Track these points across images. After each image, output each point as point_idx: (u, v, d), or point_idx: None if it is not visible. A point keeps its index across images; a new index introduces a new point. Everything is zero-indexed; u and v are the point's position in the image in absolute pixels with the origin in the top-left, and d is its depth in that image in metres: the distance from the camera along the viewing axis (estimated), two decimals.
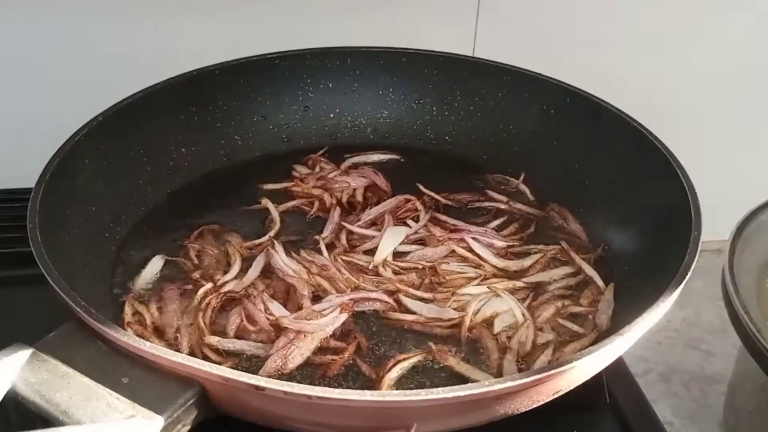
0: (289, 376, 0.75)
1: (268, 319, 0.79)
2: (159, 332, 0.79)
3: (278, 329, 0.78)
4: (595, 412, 0.82)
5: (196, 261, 0.89)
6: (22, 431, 0.58)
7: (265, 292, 0.83)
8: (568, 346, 0.79)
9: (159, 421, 0.58)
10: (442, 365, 0.76)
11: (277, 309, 0.80)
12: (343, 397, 0.58)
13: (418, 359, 0.76)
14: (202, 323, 0.78)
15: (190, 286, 0.84)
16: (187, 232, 0.93)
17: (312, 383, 0.73)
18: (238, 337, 0.78)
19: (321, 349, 0.77)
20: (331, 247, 0.91)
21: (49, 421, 0.59)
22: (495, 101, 1.10)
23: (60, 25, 1.09)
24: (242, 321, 0.79)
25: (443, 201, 1.01)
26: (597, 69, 1.12)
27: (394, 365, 0.75)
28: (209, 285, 0.83)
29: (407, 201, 0.99)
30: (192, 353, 0.76)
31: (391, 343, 0.79)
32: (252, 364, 0.76)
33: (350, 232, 0.94)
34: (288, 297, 0.83)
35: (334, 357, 0.76)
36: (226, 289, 0.83)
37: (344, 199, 1.00)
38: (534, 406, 0.67)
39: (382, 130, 1.14)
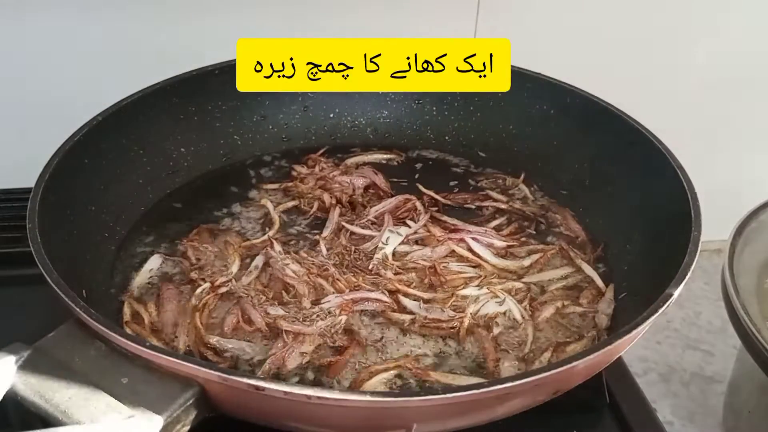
0: (289, 377, 0.75)
1: (266, 320, 0.79)
2: (157, 332, 0.79)
3: (276, 330, 0.78)
4: (595, 412, 0.82)
5: (194, 260, 0.89)
6: (21, 431, 0.58)
7: (263, 292, 0.83)
8: (568, 346, 0.79)
9: (158, 421, 0.58)
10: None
11: (275, 310, 0.80)
12: (343, 397, 0.59)
13: (396, 372, 0.75)
14: (198, 323, 0.78)
15: (188, 286, 0.84)
16: (186, 232, 0.93)
17: (312, 383, 0.74)
18: (234, 337, 0.78)
19: (321, 349, 0.77)
20: (331, 247, 0.91)
21: (48, 421, 0.59)
22: (495, 101, 1.10)
23: (60, 25, 1.09)
24: (239, 321, 0.79)
25: (443, 201, 1.01)
26: (597, 69, 1.12)
27: (370, 377, 0.74)
28: (207, 285, 0.83)
29: (407, 201, 0.99)
30: (190, 353, 0.76)
31: (391, 343, 0.79)
32: (251, 364, 0.76)
33: (350, 232, 0.94)
34: (287, 297, 0.83)
35: (333, 359, 0.76)
36: (223, 289, 0.83)
37: (344, 199, 1.00)
38: (534, 405, 0.67)
39: (381, 130, 1.14)
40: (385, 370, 0.75)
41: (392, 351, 0.78)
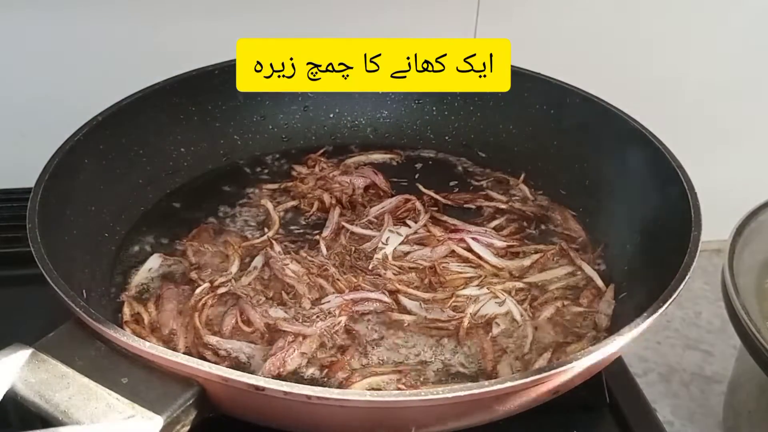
0: (289, 377, 0.74)
1: (266, 321, 0.78)
2: (157, 332, 0.79)
3: (274, 330, 0.78)
4: (595, 412, 0.82)
5: (193, 260, 0.89)
6: (22, 431, 0.58)
7: (262, 292, 0.83)
8: (568, 347, 0.79)
9: (158, 421, 0.58)
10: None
11: (275, 312, 0.80)
12: (343, 397, 0.59)
13: (388, 378, 0.75)
14: (197, 323, 0.78)
15: (188, 286, 0.84)
16: (186, 232, 0.93)
17: (312, 384, 0.74)
18: (233, 337, 0.78)
19: (321, 349, 0.77)
20: (331, 247, 0.91)
21: (48, 421, 0.59)
22: (495, 101, 1.09)
23: (60, 25, 1.09)
24: (237, 322, 0.79)
25: (443, 201, 1.01)
26: (597, 69, 1.12)
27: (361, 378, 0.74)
28: (206, 285, 0.83)
29: (407, 201, 0.99)
30: (188, 353, 0.76)
31: (390, 343, 0.79)
32: (251, 364, 0.76)
33: (350, 232, 0.93)
34: (286, 297, 0.83)
35: (333, 359, 0.76)
36: (223, 289, 0.83)
37: (344, 199, 1.00)
38: (534, 405, 0.67)
39: (381, 130, 1.14)
40: (379, 374, 0.74)
41: (392, 351, 0.78)
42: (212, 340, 0.77)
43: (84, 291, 0.78)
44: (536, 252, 0.92)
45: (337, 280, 0.85)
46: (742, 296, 0.81)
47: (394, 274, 0.87)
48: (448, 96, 1.12)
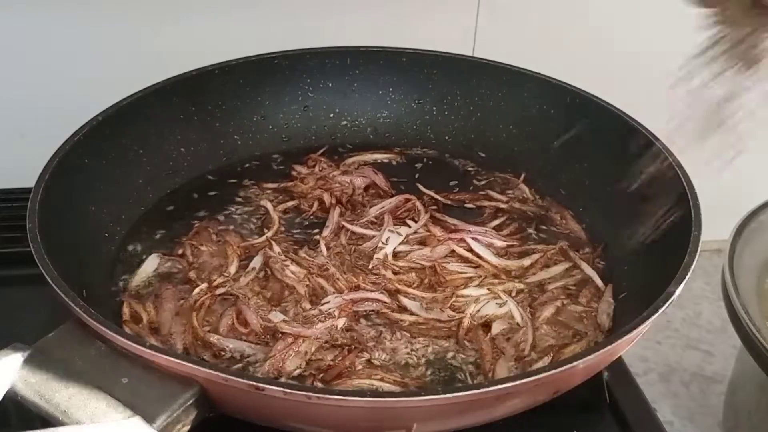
0: (289, 377, 0.74)
1: (264, 322, 0.78)
2: (156, 332, 0.79)
3: (271, 332, 0.78)
4: (595, 412, 0.82)
5: (192, 260, 0.89)
6: (21, 431, 0.58)
7: (261, 292, 0.83)
8: (568, 347, 0.79)
9: (159, 420, 0.58)
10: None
11: (276, 316, 0.79)
12: (343, 397, 0.59)
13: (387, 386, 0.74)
14: (195, 323, 0.78)
15: (186, 286, 0.84)
16: (185, 232, 0.93)
17: (312, 384, 0.74)
18: (231, 337, 0.78)
19: (321, 350, 0.77)
20: (331, 247, 0.91)
21: (48, 421, 0.59)
22: (495, 101, 1.09)
23: (60, 25, 1.09)
24: (233, 322, 0.79)
25: (443, 201, 1.01)
26: (597, 68, 1.12)
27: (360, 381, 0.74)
28: (204, 285, 0.83)
29: (407, 201, 0.99)
30: (187, 353, 0.76)
31: (390, 343, 0.79)
32: (250, 364, 0.76)
33: (350, 232, 0.93)
34: (286, 297, 0.83)
35: (333, 362, 0.76)
36: (221, 289, 0.83)
37: (344, 199, 1.00)
38: (534, 406, 0.67)
39: (381, 130, 1.14)
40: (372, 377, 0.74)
41: (392, 351, 0.78)
42: (213, 338, 0.77)
43: (84, 291, 0.78)
44: (536, 252, 0.92)
45: (337, 279, 0.85)
46: (742, 296, 0.81)
47: (394, 273, 0.87)
48: (448, 96, 1.12)
